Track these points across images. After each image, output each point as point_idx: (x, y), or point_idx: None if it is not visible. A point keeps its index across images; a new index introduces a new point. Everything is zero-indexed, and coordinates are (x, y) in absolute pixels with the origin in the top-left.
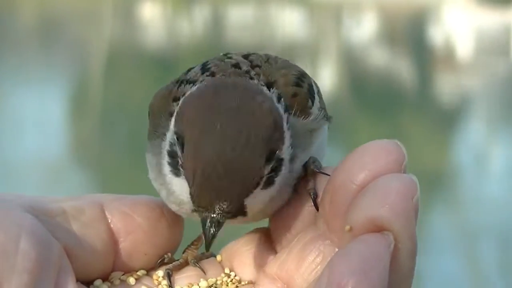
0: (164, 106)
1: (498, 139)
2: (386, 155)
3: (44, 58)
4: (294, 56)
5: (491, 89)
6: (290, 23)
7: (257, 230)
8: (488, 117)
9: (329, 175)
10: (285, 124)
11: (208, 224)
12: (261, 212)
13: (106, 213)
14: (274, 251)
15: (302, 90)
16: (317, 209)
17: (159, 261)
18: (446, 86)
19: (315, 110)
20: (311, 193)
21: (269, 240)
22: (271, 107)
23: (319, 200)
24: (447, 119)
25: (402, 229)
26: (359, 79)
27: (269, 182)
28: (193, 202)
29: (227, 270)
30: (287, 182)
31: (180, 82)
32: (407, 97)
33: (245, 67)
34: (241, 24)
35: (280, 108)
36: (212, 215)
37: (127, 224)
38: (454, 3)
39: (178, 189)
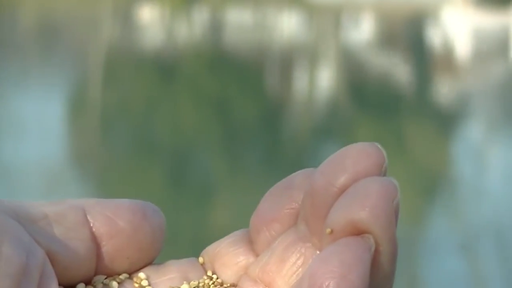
0: None
1: (497, 141)
2: (366, 158)
3: (43, 62)
4: (293, 58)
5: (490, 90)
6: (288, 26)
7: (238, 233)
8: (487, 119)
9: None
10: None
11: None
12: None
13: (89, 218)
14: (255, 253)
15: None
16: None
17: None
18: (445, 88)
19: None
20: None
21: (250, 243)
22: None
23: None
24: (446, 121)
25: (383, 232)
26: (358, 81)
27: None
28: None
29: (209, 273)
30: None
31: None
32: (406, 99)
33: None
34: (239, 26)
35: None
36: None
37: (110, 228)
38: (452, 5)
39: None
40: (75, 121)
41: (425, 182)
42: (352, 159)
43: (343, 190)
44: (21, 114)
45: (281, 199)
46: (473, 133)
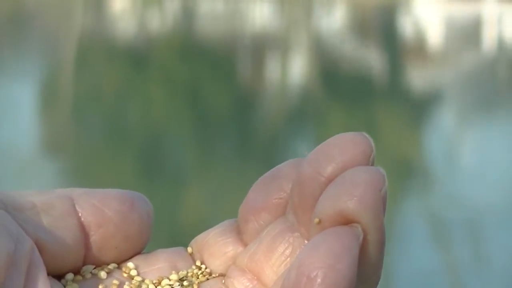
0: None
1: (469, 129)
2: (354, 147)
3: (14, 50)
4: (265, 47)
5: (461, 80)
6: (260, 15)
7: (226, 223)
8: (458, 108)
9: None
10: None
11: None
12: None
13: (77, 207)
14: (244, 243)
15: None
16: None
17: None
18: (417, 77)
19: None
20: None
21: (238, 232)
22: None
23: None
24: (418, 109)
25: (371, 221)
26: (330, 70)
27: None
28: None
29: (198, 263)
30: None
31: None
32: (378, 88)
33: None
34: (211, 16)
35: None
36: None
37: (98, 217)
38: None
39: None
40: (47, 110)
41: (396, 170)
42: (339, 149)
43: (331, 179)
44: None
45: (269, 189)
46: (445, 120)
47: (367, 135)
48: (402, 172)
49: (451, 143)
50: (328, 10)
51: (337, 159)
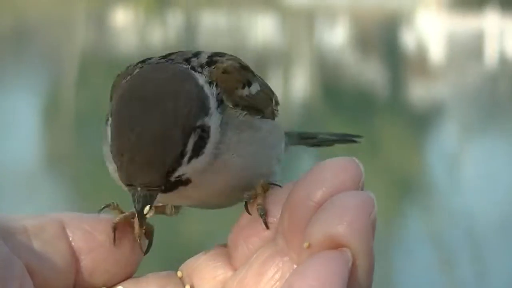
0: (117, 86)
1: (470, 143)
2: (343, 173)
3: (16, 65)
4: (267, 61)
5: (463, 94)
6: (263, 29)
7: (216, 247)
8: (460, 122)
9: (280, 186)
10: (211, 98)
11: (135, 199)
12: (215, 197)
13: (67, 231)
14: (233, 268)
15: (235, 70)
16: (267, 227)
17: (103, 207)
18: (419, 91)
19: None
20: (259, 210)
21: (228, 257)
22: (195, 87)
23: (269, 218)
24: (420, 123)
25: (360, 246)
26: (332, 84)
27: (197, 152)
28: (121, 181)
29: (187, 287)
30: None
31: (138, 62)
32: (380, 102)
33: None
34: (214, 30)
35: (208, 89)
36: (137, 190)
37: (88, 241)
38: (426, 8)
39: (111, 168)
40: (49, 124)
41: (398, 184)
42: (329, 174)
43: (320, 204)
44: None
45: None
46: (446, 135)
47: (357, 160)
48: (404, 186)
49: (453, 157)
50: (330, 24)
51: (327, 184)
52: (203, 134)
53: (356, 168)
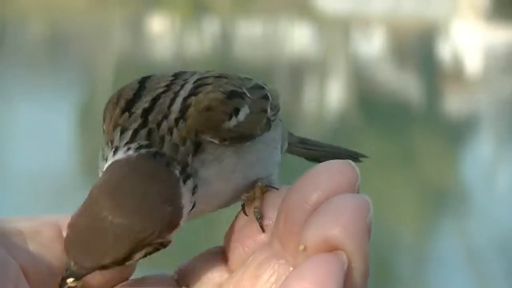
0: (109, 114)
1: (506, 155)
2: (339, 175)
3: (52, 72)
4: (303, 71)
5: (499, 106)
6: (298, 38)
7: (212, 249)
8: (496, 134)
9: (277, 188)
10: (185, 194)
11: (64, 269)
12: (209, 211)
13: (63, 233)
14: (229, 270)
15: (219, 103)
16: (263, 230)
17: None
18: (455, 102)
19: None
20: (255, 213)
21: (224, 259)
22: (171, 195)
23: (265, 220)
24: (455, 135)
25: (355, 249)
26: (368, 95)
27: (148, 254)
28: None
29: None
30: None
31: (125, 106)
32: (415, 113)
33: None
34: (249, 37)
35: (182, 186)
36: (70, 264)
37: None
38: (463, 20)
39: None
40: (84, 131)
41: (433, 196)
42: (325, 177)
43: (316, 207)
44: (30, 124)
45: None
46: (482, 147)
47: (353, 163)
48: (439, 198)
49: (488, 168)
50: (366, 34)
51: (323, 187)
52: (160, 246)
53: (352, 171)
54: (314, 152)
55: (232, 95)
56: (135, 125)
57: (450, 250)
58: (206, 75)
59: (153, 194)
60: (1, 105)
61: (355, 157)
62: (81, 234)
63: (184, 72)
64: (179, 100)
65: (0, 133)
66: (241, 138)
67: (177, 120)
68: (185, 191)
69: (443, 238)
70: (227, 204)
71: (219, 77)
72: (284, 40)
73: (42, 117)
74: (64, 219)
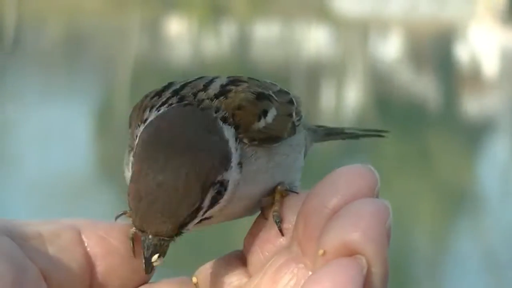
0: (135, 117)
1: None
2: (359, 180)
3: (70, 73)
4: (320, 72)
5: None
6: (316, 41)
7: (231, 253)
8: None
9: (297, 193)
10: (234, 154)
11: (145, 246)
12: (235, 216)
13: (83, 237)
14: (248, 274)
15: (249, 104)
16: (282, 234)
17: (120, 214)
18: (472, 104)
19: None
20: (274, 217)
21: (243, 263)
22: (220, 141)
23: (285, 224)
24: (472, 137)
25: (375, 253)
26: (385, 97)
27: (213, 204)
28: (134, 225)
29: None
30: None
31: (154, 95)
32: (433, 115)
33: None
34: (267, 39)
35: (232, 143)
36: (149, 238)
37: (104, 248)
38: (480, 22)
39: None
40: (102, 133)
41: (450, 198)
42: (345, 181)
43: (335, 211)
44: (47, 125)
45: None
46: (499, 149)
47: (372, 168)
48: (456, 200)
49: (506, 171)
50: (383, 37)
51: (342, 191)
52: (221, 188)
53: (372, 176)
54: (340, 136)
55: (262, 96)
56: (166, 96)
57: (466, 250)
58: (236, 76)
59: (203, 135)
60: (18, 107)
61: (376, 134)
62: (147, 200)
63: (206, 76)
64: (216, 85)
65: (18, 135)
66: (269, 139)
67: (216, 95)
68: (230, 136)
69: (459, 239)
70: (247, 209)
71: (251, 78)
72: (301, 42)
73: (59, 119)
74: (83, 223)
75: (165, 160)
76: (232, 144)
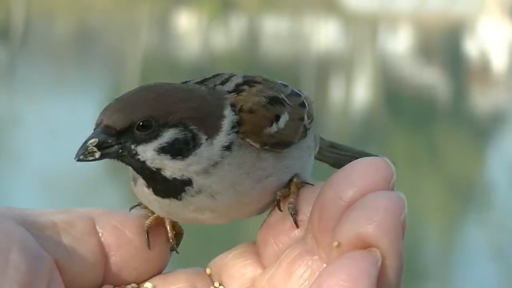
0: None
1: None
2: (375, 173)
3: (80, 68)
4: (330, 67)
5: None
6: (325, 35)
7: (245, 245)
8: None
9: (312, 184)
10: (224, 126)
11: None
12: (233, 210)
13: (97, 227)
14: (262, 266)
15: (261, 108)
16: (297, 226)
17: (134, 205)
18: (481, 99)
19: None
20: (290, 209)
21: (257, 255)
22: (209, 102)
23: (299, 216)
24: (482, 132)
25: (390, 246)
26: (394, 91)
27: (172, 145)
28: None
29: (216, 284)
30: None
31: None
32: (442, 109)
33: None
34: (276, 34)
35: (229, 113)
36: (97, 129)
37: (118, 238)
38: (489, 17)
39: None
40: None
41: (459, 192)
42: (360, 173)
43: (351, 203)
44: (57, 119)
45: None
46: (508, 144)
47: (388, 160)
48: (466, 192)
49: None
50: (393, 31)
51: (358, 184)
52: (187, 135)
53: (388, 169)
54: (343, 157)
55: (275, 100)
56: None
57: (476, 243)
58: (251, 76)
59: (202, 93)
60: (28, 101)
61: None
62: (115, 102)
63: (223, 74)
64: (231, 84)
65: (27, 128)
66: (280, 144)
67: (230, 92)
68: (228, 116)
69: (469, 232)
70: (246, 206)
71: (265, 79)
72: (311, 37)
73: (68, 113)
74: (97, 213)
75: (155, 88)
76: (226, 122)
